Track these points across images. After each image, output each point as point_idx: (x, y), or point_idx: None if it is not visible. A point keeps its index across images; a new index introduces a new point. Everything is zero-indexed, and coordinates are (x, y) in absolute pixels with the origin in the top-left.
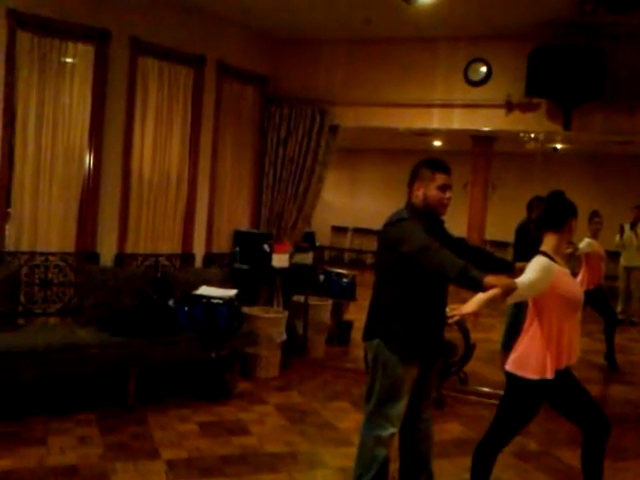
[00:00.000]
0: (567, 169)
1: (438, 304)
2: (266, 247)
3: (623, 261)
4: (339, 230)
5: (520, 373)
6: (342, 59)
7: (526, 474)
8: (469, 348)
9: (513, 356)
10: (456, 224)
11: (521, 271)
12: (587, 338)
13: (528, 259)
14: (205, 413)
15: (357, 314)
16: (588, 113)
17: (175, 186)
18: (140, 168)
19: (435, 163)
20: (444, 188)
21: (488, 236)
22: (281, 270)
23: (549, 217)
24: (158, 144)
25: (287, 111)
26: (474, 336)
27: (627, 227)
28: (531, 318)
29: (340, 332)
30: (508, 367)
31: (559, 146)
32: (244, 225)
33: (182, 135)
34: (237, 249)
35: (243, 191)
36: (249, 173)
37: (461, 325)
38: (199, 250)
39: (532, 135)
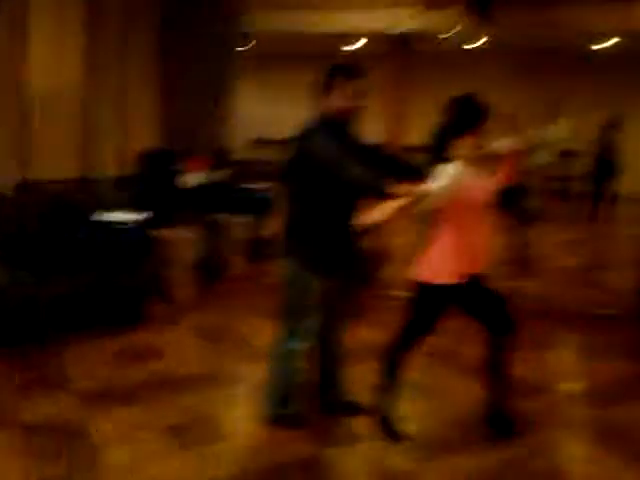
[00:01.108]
0: (488, 66)
1: (347, 218)
2: (177, 166)
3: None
4: (263, 143)
5: (426, 279)
6: None
7: (436, 373)
8: (381, 256)
9: (420, 262)
10: (373, 130)
11: (433, 178)
12: (499, 235)
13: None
14: (120, 340)
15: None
16: (508, 4)
17: (74, 105)
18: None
19: (348, 69)
20: (358, 94)
21: (408, 141)
22: (196, 189)
23: (460, 121)
24: (52, 53)
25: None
26: (393, 241)
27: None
28: (438, 224)
29: (258, 249)
30: (415, 273)
31: (479, 43)
32: (152, 144)
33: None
34: (145, 169)
35: (146, 105)
36: (152, 82)
37: (371, 232)
38: (105, 173)
39: (451, 32)
